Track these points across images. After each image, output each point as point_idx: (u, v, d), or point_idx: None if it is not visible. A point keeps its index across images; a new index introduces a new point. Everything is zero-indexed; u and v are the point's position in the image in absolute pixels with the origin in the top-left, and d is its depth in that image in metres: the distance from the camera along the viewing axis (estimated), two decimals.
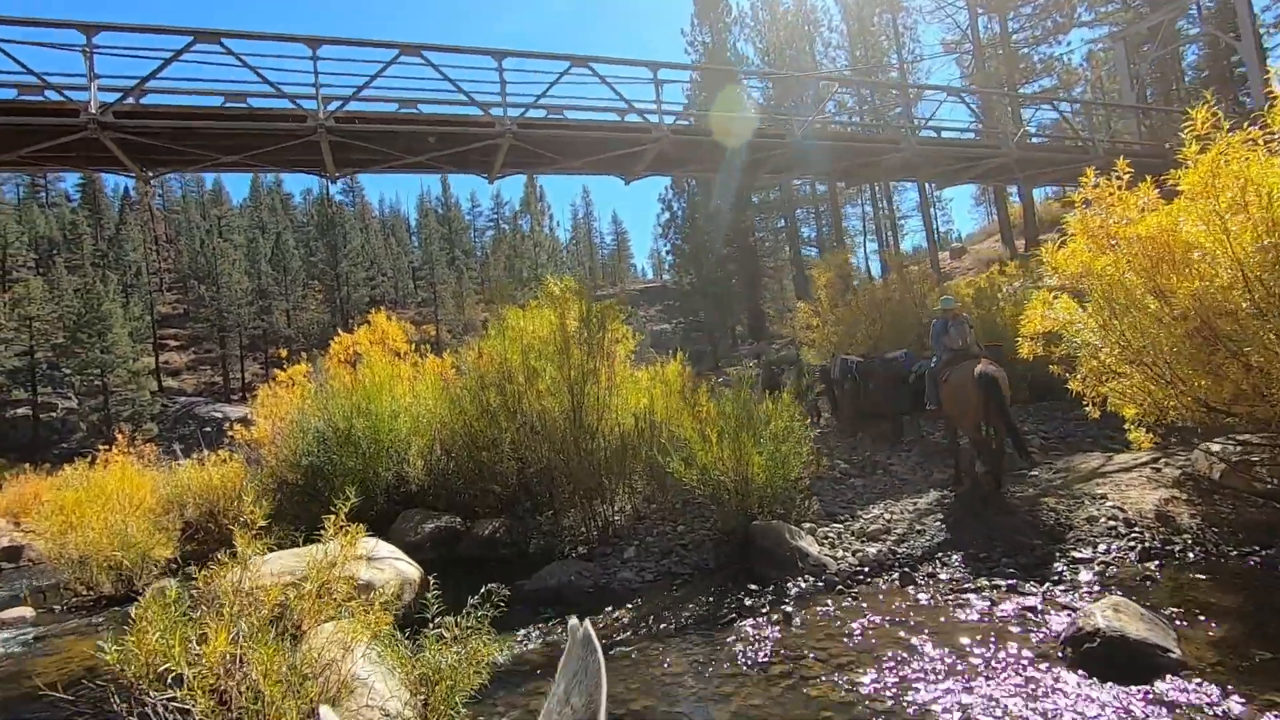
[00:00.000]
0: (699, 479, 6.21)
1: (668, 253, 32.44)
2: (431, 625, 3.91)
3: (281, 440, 9.46)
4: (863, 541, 5.91)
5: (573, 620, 0.86)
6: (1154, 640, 3.27)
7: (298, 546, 8.26)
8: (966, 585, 4.70)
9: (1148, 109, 20.14)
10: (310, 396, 9.83)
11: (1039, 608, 4.16)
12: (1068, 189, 26.73)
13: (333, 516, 3.76)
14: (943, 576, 4.99)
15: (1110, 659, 3.25)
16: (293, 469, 8.89)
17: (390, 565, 4.87)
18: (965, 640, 3.87)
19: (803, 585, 5.19)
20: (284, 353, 13.11)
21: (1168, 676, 3.20)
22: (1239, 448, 6.09)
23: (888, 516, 6.33)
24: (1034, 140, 16.77)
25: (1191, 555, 4.84)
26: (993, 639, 3.83)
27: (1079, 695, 3.14)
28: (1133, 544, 5.05)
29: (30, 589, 9.86)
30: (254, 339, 47.01)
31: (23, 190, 57.18)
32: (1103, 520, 5.51)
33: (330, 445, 8.55)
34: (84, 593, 8.28)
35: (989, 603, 4.35)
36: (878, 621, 4.29)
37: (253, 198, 67.43)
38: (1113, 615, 3.39)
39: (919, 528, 6.00)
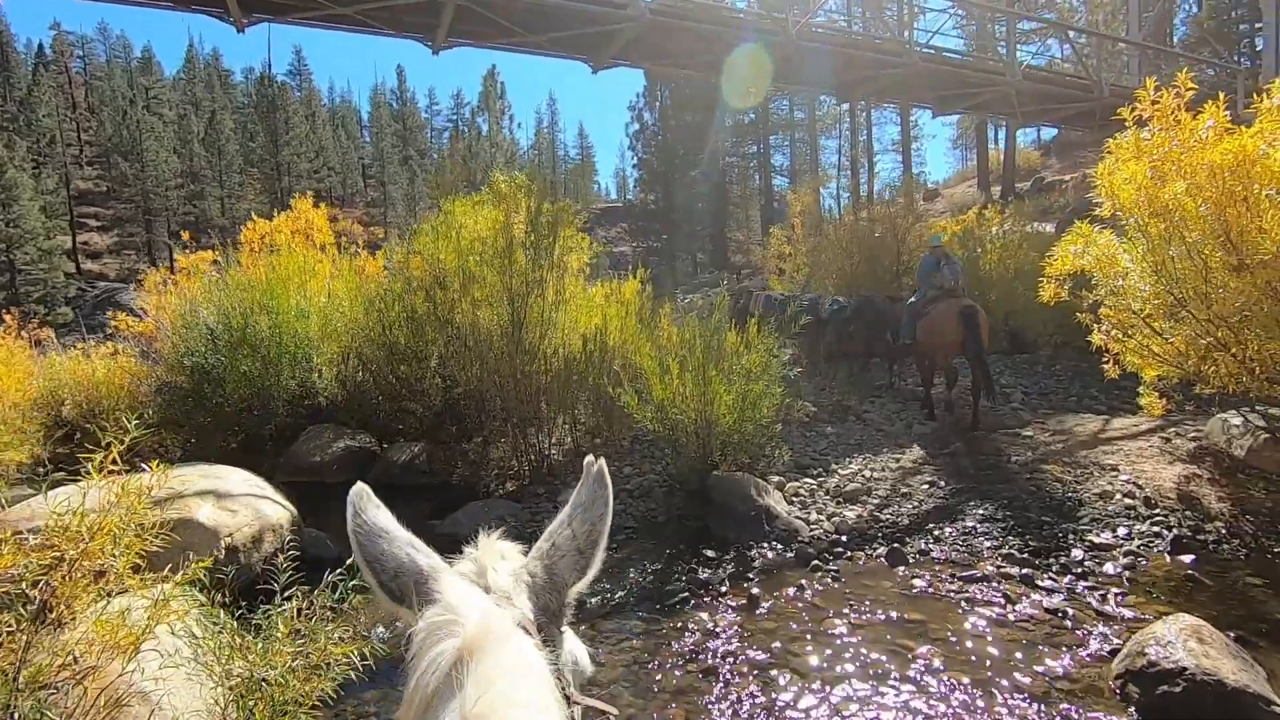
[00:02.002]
0: (654, 416, 5.19)
1: (634, 166, 30.48)
2: (276, 602, 2.85)
3: (166, 337, 8.05)
4: (839, 503, 5.03)
5: (589, 458, 0.86)
6: (1254, 689, 2.42)
7: (174, 461, 7.07)
8: (970, 571, 3.85)
9: (1162, 50, 19.05)
10: (206, 288, 8.37)
11: (1068, 613, 3.32)
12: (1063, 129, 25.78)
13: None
14: (937, 555, 4.14)
15: (1196, 710, 2.40)
16: (177, 370, 7.54)
17: (247, 505, 3.76)
18: (981, 656, 3.01)
19: (769, 555, 4.29)
20: (187, 234, 11.40)
21: None
22: (1264, 423, 5.35)
23: (867, 474, 5.46)
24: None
25: (1227, 548, 4.08)
26: (1018, 657, 2.97)
27: None
28: (1157, 529, 4.27)
29: None
30: (185, 225, 43.55)
31: None
32: (1118, 497, 4.72)
33: (222, 345, 7.21)
34: None
35: (1002, 598, 3.50)
36: (866, 616, 3.41)
37: (187, 70, 61.40)
38: (1199, 650, 2.52)
39: (904, 490, 5.14)
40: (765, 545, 4.40)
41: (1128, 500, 4.68)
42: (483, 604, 0.66)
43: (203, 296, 8.02)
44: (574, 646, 0.82)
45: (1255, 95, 4.71)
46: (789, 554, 4.29)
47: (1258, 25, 26.95)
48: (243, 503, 3.76)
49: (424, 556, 0.76)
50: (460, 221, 7.40)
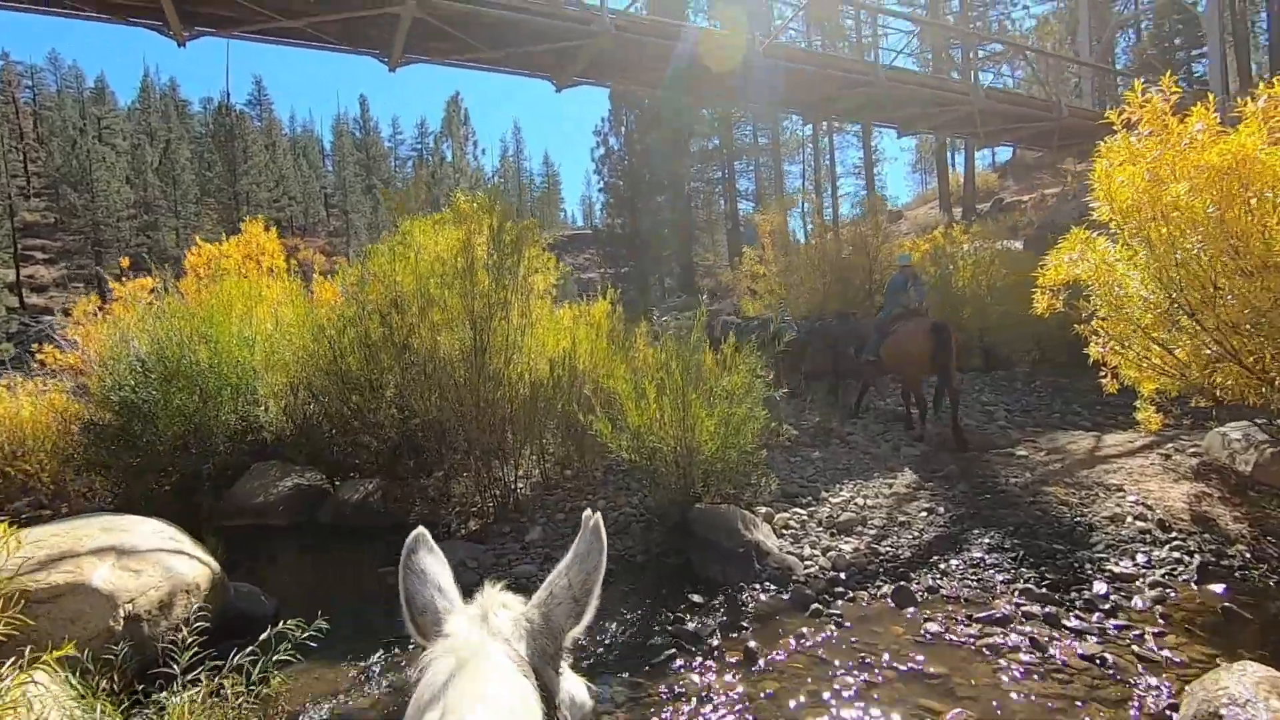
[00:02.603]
0: (630, 445, 4.75)
1: (600, 190, 30.21)
2: (175, 686, 2.33)
3: (94, 370, 7.38)
4: (833, 535, 4.61)
5: (586, 511, 0.96)
6: None
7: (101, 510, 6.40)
8: (987, 611, 3.45)
9: (1116, 72, 19.55)
10: (140, 316, 7.73)
11: (1107, 659, 2.94)
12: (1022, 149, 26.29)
13: None
14: (947, 592, 3.74)
15: None
16: (104, 406, 6.88)
17: (156, 563, 3.18)
18: (1021, 718, 2.59)
19: (763, 598, 3.84)
20: (126, 262, 10.70)
21: None
22: (1267, 436, 5.11)
23: (860, 501, 5.07)
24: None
25: (1256, 574, 3.76)
26: None
27: None
28: (1178, 555, 3.94)
29: None
30: (137, 258, 42.06)
31: None
32: (1130, 520, 4.40)
33: (154, 378, 6.58)
34: None
35: (1029, 644, 3.11)
36: (880, 672, 2.97)
37: (142, 100, 60.00)
38: None
39: (901, 519, 4.76)
40: (757, 586, 3.95)
41: (1140, 524, 4.35)
42: (478, 636, 0.77)
43: (136, 326, 7.39)
44: (572, 685, 0.86)
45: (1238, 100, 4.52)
46: (784, 596, 3.85)
47: (1195, 51, 28.13)
48: (151, 560, 3.20)
49: (444, 599, 0.86)
50: (419, 242, 6.95)
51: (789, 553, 4.33)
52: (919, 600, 3.66)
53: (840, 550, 4.34)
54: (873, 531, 4.59)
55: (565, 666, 0.85)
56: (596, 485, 6.01)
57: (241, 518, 6.53)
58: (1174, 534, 4.19)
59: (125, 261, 10.68)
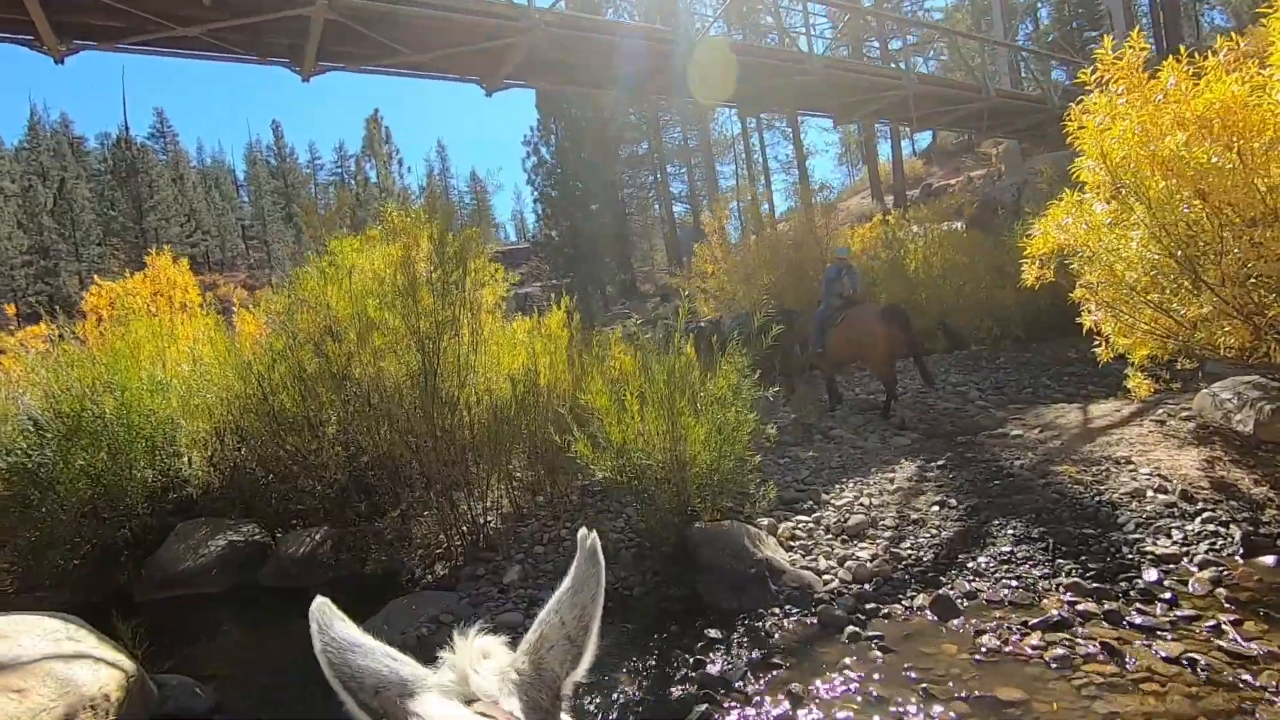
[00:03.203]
0: (614, 464, 4.24)
1: (535, 201, 29.52)
2: None
3: None
4: (846, 542, 4.21)
5: (581, 530, 0.79)
6: None
7: None
8: (1040, 615, 3.09)
9: (1037, 52, 20.14)
10: (31, 367, 6.77)
11: (1197, 660, 2.60)
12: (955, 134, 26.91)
13: None
14: (987, 596, 3.38)
15: None
16: None
17: (47, 676, 2.49)
18: None
19: (788, 624, 3.39)
20: (12, 309, 9.55)
21: None
22: (1260, 394, 4.99)
23: (865, 502, 4.69)
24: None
25: None
26: None
27: None
28: (1214, 528, 3.69)
29: None
30: (36, 306, 38.99)
31: None
32: (1150, 494, 4.15)
33: (50, 436, 5.70)
34: None
35: (1103, 650, 2.75)
36: (950, 706, 2.56)
37: (31, 140, 55.95)
38: None
39: (913, 516, 4.40)
40: (777, 611, 3.51)
41: (1163, 496, 4.11)
42: (464, 714, 0.63)
43: (26, 378, 6.47)
44: None
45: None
46: (810, 619, 3.41)
47: (1090, 34, 29.58)
48: (41, 674, 2.50)
49: (405, 666, 0.70)
50: (351, 262, 6.30)
51: (804, 568, 3.90)
52: (961, 609, 3.28)
53: (858, 558, 3.94)
54: (887, 534, 4.21)
55: (566, 716, 0.74)
56: (574, 510, 5.47)
57: (170, 588, 5.71)
58: (1200, 505, 3.96)
59: (11, 309, 9.53)
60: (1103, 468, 4.61)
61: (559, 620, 0.75)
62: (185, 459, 6.35)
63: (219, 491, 6.31)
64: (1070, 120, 4.71)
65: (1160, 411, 5.57)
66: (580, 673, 0.74)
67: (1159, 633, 2.83)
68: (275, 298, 6.99)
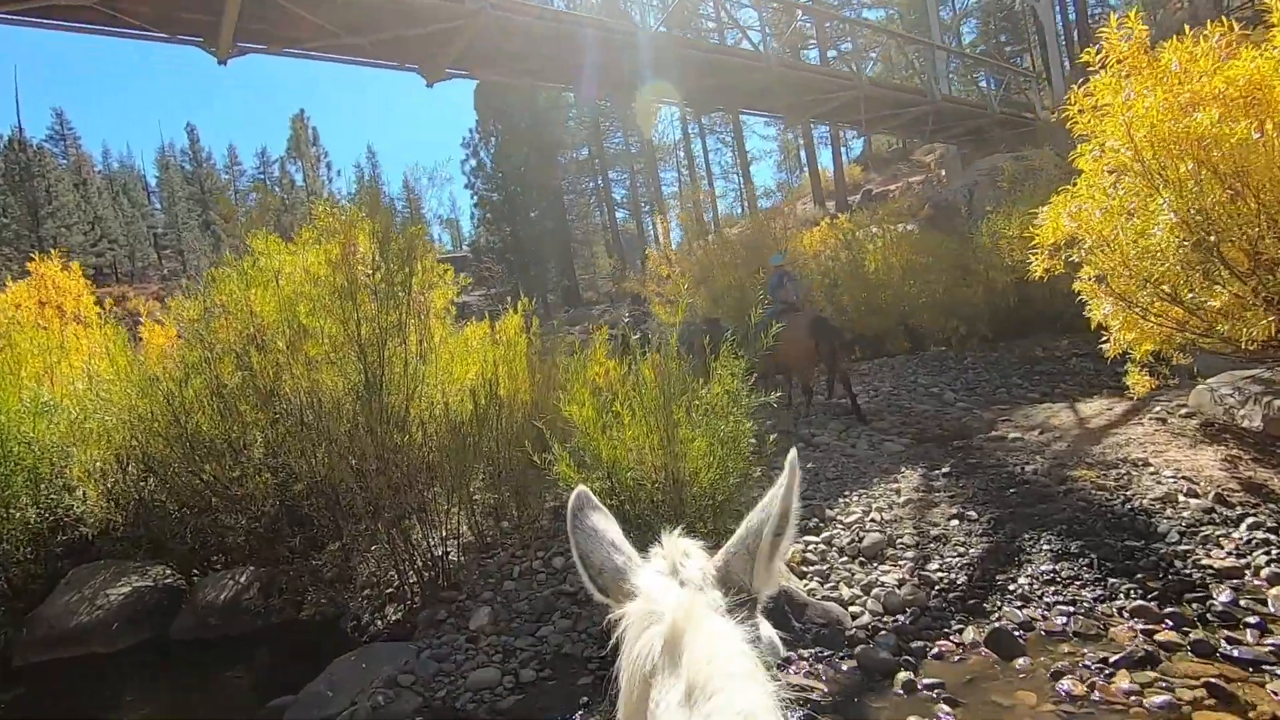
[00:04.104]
0: (602, 485, 3.66)
1: (475, 205, 28.51)
2: None
3: None
4: (865, 565, 3.74)
5: (792, 452, 0.82)
6: None
7: None
8: (1118, 651, 2.68)
9: (972, 57, 20.58)
10: None
11: None
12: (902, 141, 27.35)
13: None
14: (1045, 627, 2.96)
15: None
16: None
17: None
18: None
19: (823, 670, 2.88)
20: None
21: None
22: (1262, 388, 4.81)
23: (876, 517, 4.24)
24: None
25: None
26: None
27: None
28: (1263, 534, 3.39)
29: None
30: None
31: None
32: (1184, 499, 3.85)
33: None
34: None
35: (1212, 694, 2.33)
36: None
37: None
38: None
39: (933, 532, 3.97)
40: (807, 655, 2.99)
41: (1196, 501, 3.81)
42: (679, 593, 0.71)
43: None
44: (766, 629, 0.80)
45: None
46: (846, 662, 2.91)
47: (1013, 49, 30.84)
48: None
49: (620, 555, 0.84)
50: (278, 263, 5.52)
51: (826, 598, 3.41)
52: (1022, 643, 2.84)
53: (884, 584, 3.47)
54: (910, 554, 3.76)
55: (759, 615, 0.77)
56: (546, 536, 4.84)
57: (58, 648, 4.79)
58: (1239, 509, 3.66)
59: None
60: (1122, 471, 4.30)
61: (745, 531, 0.79)
62: (78, 493, 5.40)
63: (122, 530, 5.38)
64: (1069, 105, 4.45)
65: (1157, 409, 5.36)
66: (769, 579, 0.77)
67: (1265, 667, 2.45)
68: (188, 304, 6.11)
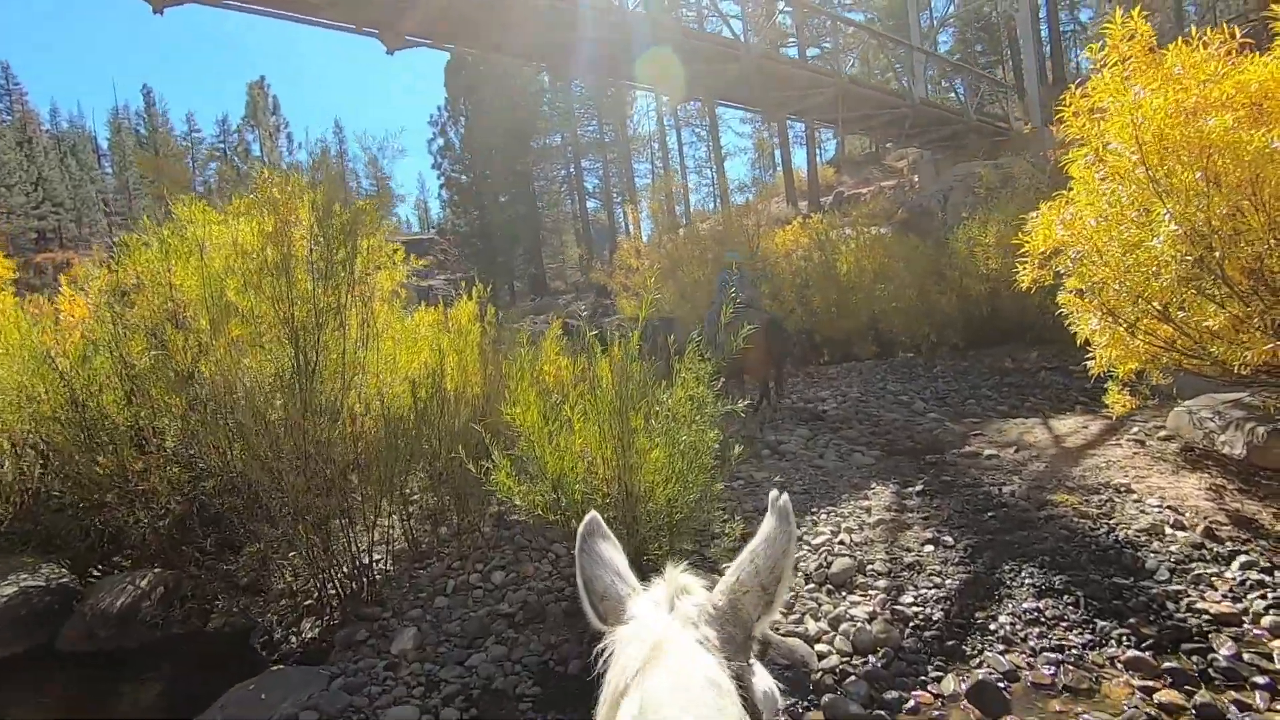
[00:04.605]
0: (546, 499, 3.26)
1: (441, 187, 27.65)
2: None
3: None
4: (833, 594, 3.41)
5: (773, 493, 0.91)
6: None
7: None
8: (1116, 712, 2.38)
9: (950, 62, 20.54)
10: None
11: None
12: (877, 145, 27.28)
13: None
14: (1033, 677, 2.65)
15: None
16: None
17: None
18: None
19: None
20: None
21: None
22: (1244, 414, 4.62)
23: (845, 539, 3.92)
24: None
25: None
26: None
27: None
28: (1255, 574, 3.14)
29: None
30: None
31: None
32: (1170, 532, 3.60)
33: None
34: None
35: None
36: None
37: None
38: None
39: (906, 558, 3.66)
40: None
41: (1184, 534, 3.57)
42: (665, 621, 0.74)
43: None
44: (764, 678, 0.81)
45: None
46: (812, 713, 2.56)
47: (987, 60, 31.09)
48: None
49: (624, 584, 0.86)
50: (204, 233, 5.00)
51: (791, 633, 3.06)
52: (1008, 698, 2.53)
53: (854, 618, 3.14)
54: (881, 583, 3.44)
55: (755, 660, 0.80)
56: (488, 546, 4.43)
57: None
58: (1230, 545, 3.43)
59: None
60: (1104, 497, 4.05)
61: (754, 569, 0.81)
62: None
63: (8, 524, 4.80)
64: (1064, 105, 4.17)
65: (1134, 429, 5.16)
66: (770, 620, 0.81)
67: None
68: (96, 273, 5.50)
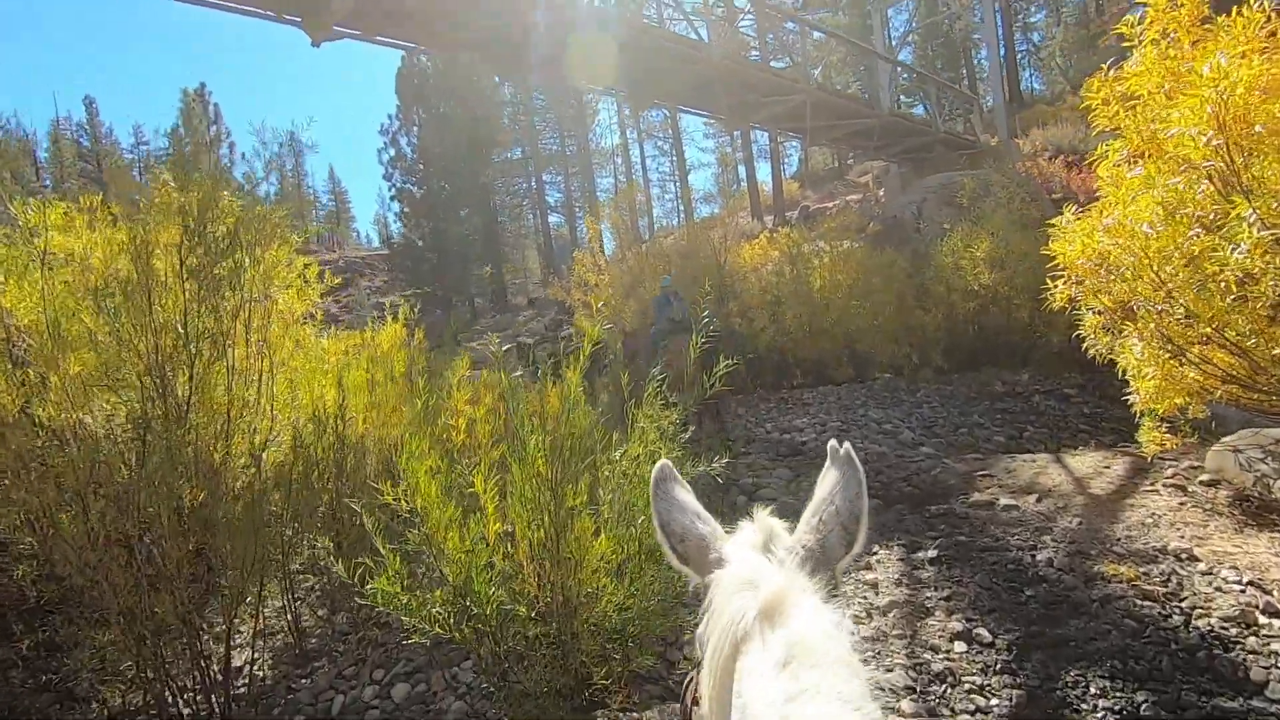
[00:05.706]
0: (453, 607, 2.33)
1: (393, 198, 26.34)
2: None
3: None
4: None
5: (832, 442, 0.94)
6: None
7: None
8: None
9: (917, 70, 20.25)
10: None
11: None
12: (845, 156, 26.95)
13: None
14: None
15: None
16: None
17: None
18: None
19: None
20: None
21: None
22: None
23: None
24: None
25: None
26: None
27: None
28: None
29: None
30: None
31: None
32: (1262, 619, 2.83)
33: None
34: None
35: None
36: None
37: None
38: None
39: (934, 664, 2.80)
40: None
41: (1273, 620, 2.79)
42: (774, 569, 0.76)
43: None
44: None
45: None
46: None
47: (948, 75, 31.24)
48: None
49: (705, 525, 0.90)
50: (51, 243, 3.99)
51: None
52: None
53: None
54: (907, 706, 2.57)
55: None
56: (393, 643, 3.45)
57: None
58: None
59: None
60: (1164, 568, 3.27)
61: (835, 510, 0.85)
62: None
63: None
64: (1089, 94, 3.45)
65: (1168, 471, 4.43)
66: (852, 556, 0.83)
67: None
68: None
